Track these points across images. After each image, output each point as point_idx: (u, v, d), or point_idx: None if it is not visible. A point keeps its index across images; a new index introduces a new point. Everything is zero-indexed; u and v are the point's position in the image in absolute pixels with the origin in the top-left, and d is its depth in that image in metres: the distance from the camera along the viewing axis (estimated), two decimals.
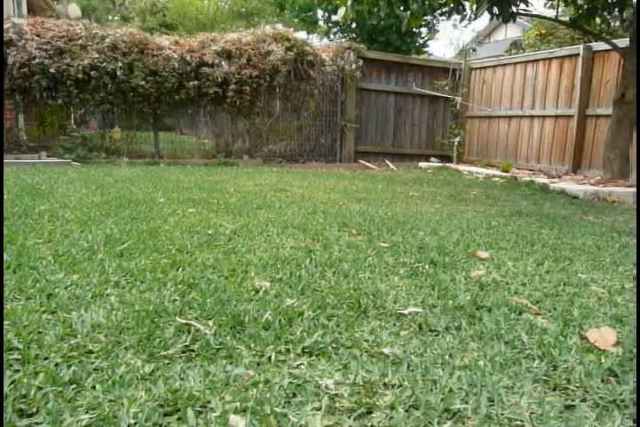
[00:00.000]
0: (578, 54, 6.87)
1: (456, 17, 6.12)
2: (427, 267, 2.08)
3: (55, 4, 12.98)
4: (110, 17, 25.44)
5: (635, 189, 4.86)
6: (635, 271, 2.16)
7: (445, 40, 54.32)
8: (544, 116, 7.49)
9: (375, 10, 5.73)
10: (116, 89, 6.87)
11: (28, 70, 6.47)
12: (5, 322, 1.33)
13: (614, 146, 5.82)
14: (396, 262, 2.14)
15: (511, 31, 19.43)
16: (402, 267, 2.07)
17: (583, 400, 1.10)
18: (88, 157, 6.85)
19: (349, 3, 5.46)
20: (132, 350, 1.23)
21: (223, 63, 7.18)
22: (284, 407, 1.01)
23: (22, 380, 1.06)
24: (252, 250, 2.23)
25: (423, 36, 11.96)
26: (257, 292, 1.68)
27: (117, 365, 1.15)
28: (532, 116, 7.68)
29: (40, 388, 1.04)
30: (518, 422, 1.00)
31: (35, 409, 0.97)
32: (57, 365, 1.14)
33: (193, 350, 1.25)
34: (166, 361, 1.19)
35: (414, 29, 10.86)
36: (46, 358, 1.16)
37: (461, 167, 7.59)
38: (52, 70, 6.51)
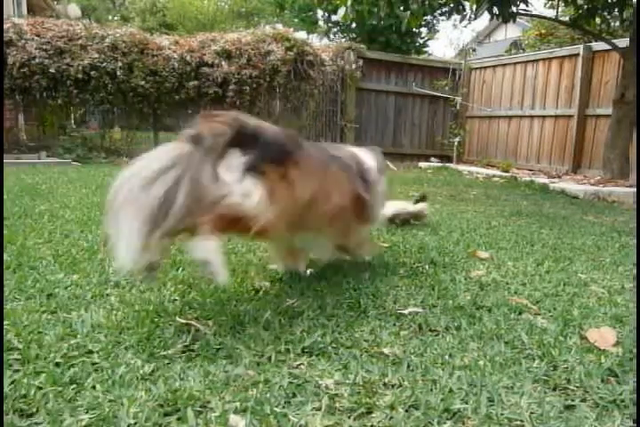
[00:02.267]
0: (578, 54, 6.87)
1: (456, 17, 6.12)
2: (427, 267, 2.08)
3: (55, 3, 12.97)
4: (110, 17, 25.44)
5: (635, 189, 4.85)
6: (635, 271, 2.16)
7: (445, 40, 54.33)
8: (544, 117, 7.49)
9: (375, 10, 5.73)
10: (115, 89, 6.86)
11: (28, 70, 6.46)
12: (5, 322, 1.33)
13: (614, 146, 5.82)
14: (396, 262, 2.14)
15: (511, 31, 19.43)
16: (402, 267, 2.07)
17: (583, 400, 1.10)
18: (88, 157, 6.85)
19: (349, 3, 5.46)
20: (132, 350, 1.23)
21: (223, 63, 7.18)
22: (284, 407, 1.01)
23: (22, 380, 1.06)
24: (252, 250, 2.23)
25: (423, 36, 11.96)
26: (257, 292, 1.68)
27: (117, 365, 1.15)
28: (531, 116, 7.68)
29: (40, 388, 1.04)
30: (518, 422, 1.00)
31: (35, 409, 0.97)
32: (57, 365, 1.14)
33: (193, 350, 1.25)
34: (166, 361, 1.19)
35: (414, 29, 10.86)
36: (46, 358, 1.16)
37: (461, 167, 7.59)
38: (51, 70, 6.51)
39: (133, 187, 1.26)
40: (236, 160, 1.38)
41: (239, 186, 1.35)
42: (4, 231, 2.33)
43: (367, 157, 1.96)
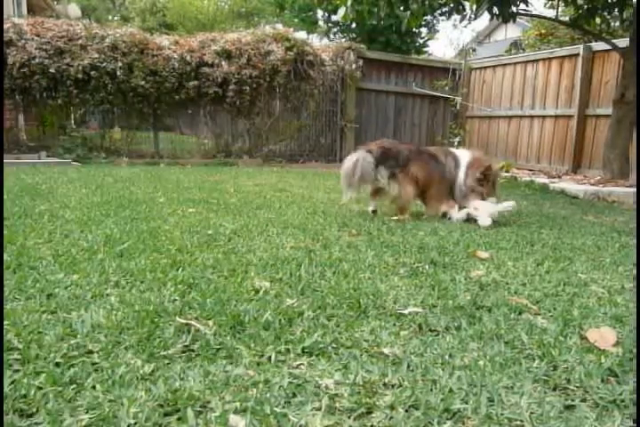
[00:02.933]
0: (578, 54, 6.87)
1: (456, 17, 6.12)
2: (427, 267, 2.08)
3: (55, 3, 12.97)
4: (110, 17, 25.43)
5: (635, 189, 4.85)
6: (635, 271, 2.16)
7: (445, 40, 54.27)
8: (544, 116, 7.49)
9: (375, 10, 5.72)
10: (115, 89, 6.87)
11: (28, 70, 6.47)
12: (5, 322, 1.33)
13: (614, 146, 5.82)
14: (396, 262, 2.14)
15: (511, 31, 19.42)
16: (402, 267, 2.07)
17: (583, 400, 1.10)
18: (88, 157, 6.85)
19: (349, 3, 5.45)
20: (132, 350, 1.23)
21: (223, 63, 7.18)
22: (283, 407, 1.01)
23: (22, 380, 1.06)
24: (252, 250, 2.23)
25: (423, 36, 11.96)
26: (257, 292, 1.68)
27: (117, 365, 1.15)
28: (531, 116, 7.68)
29: (40, 388, 1.04)
30: (518, 422, 1.00)
31: (35, 409, 0.97)
32: (57, 365, 1.14)
33: (193, 350, 1.25)
34: (166, 361, 1.19)
35: (414, 29, 10.86)
36: (46, 358, 1.16)
37: None
38: (51, 70, 6.51)
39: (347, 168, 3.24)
40: (383, 170, 3.21)
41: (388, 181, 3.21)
42: (4, 231, 2.33)
43: (463, 154, 3.42)
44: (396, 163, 3.23)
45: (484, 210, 3.20)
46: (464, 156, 3.40)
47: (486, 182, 3.31)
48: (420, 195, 3.38)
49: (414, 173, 3.24)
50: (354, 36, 11.21)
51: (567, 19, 7.32)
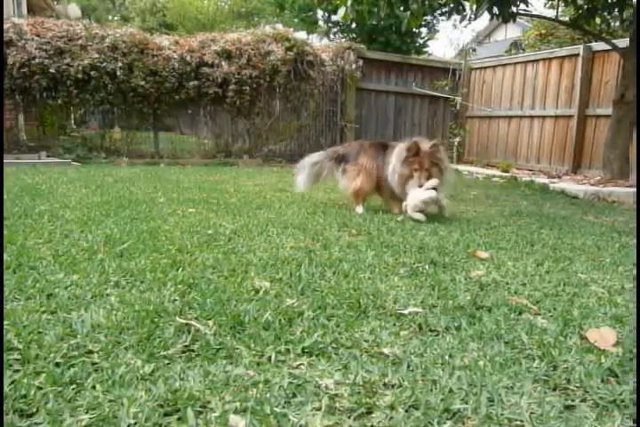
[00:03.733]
0: (578, 54, 6.87)
1: (456, 17, 6.11)
2: (427, 267, 2.08)
3: (55, 3, 12.97)
4: (110, 17, 25.43)
5: (635, 190, 4.85)
6: (635, 271, 2.16)
7: (445, 40, 54.23)
8: (544, 117, 7.49)
9: (375, 10, 5.72)
10: (115, 89, 6.87)
11: (28, 70, 6.47)
12: (5, 322, 1.33)
13: (614, 146, 5.81)
14: (396, 262, 2.14)
15: (511, 31, 19.42)
16: (402, 267, 2.07)
17: (583, 400, 1.10)
18: (88, 157, 6.85)
19: (349, 3, 5.45)
20: (132, 350, 1.23)
21: (223, 63, 7.18)
22: (284, 407, 1.01)
23: (22, 380, 1.06)
24: (252, 250, 2.23)
25: (423, 36, 11.95)
26: (257, 292, 1.68)
27: (117, 365, 1.15)
28: (531, 117, 7.68)
29: (40, 388, 1.04)
30: (518, 422, 1.00)
31: (35, 409, 0.97)
32: (57, 365, 1.14)
33: (193, 350, 1.25)
34: (166, 361, 1.19)
35: (414, 29, 10.85)
36: (46, 358, 1.16)
37: (461, 167, 7.58)
38: (51, 70, 6.51)
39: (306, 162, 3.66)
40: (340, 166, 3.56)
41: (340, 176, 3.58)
42: (4, 231, 2.33)
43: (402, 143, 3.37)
44: (346, 160, 3.55)
45: (410, 202, 3.18)
46: (402, 144, 3.35)
47: (416, 163, 3.17)
48: (376, 189, 3.55)
49: (361, 164, 3.47)
50: (354, 36, 11.20)
51: (567, 19, 7.32)
